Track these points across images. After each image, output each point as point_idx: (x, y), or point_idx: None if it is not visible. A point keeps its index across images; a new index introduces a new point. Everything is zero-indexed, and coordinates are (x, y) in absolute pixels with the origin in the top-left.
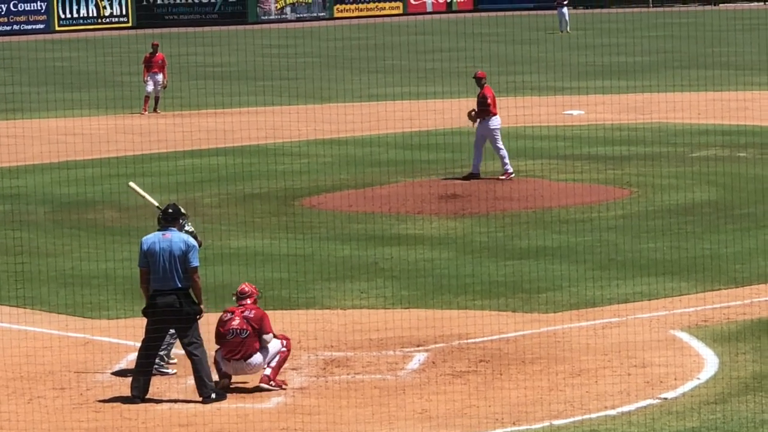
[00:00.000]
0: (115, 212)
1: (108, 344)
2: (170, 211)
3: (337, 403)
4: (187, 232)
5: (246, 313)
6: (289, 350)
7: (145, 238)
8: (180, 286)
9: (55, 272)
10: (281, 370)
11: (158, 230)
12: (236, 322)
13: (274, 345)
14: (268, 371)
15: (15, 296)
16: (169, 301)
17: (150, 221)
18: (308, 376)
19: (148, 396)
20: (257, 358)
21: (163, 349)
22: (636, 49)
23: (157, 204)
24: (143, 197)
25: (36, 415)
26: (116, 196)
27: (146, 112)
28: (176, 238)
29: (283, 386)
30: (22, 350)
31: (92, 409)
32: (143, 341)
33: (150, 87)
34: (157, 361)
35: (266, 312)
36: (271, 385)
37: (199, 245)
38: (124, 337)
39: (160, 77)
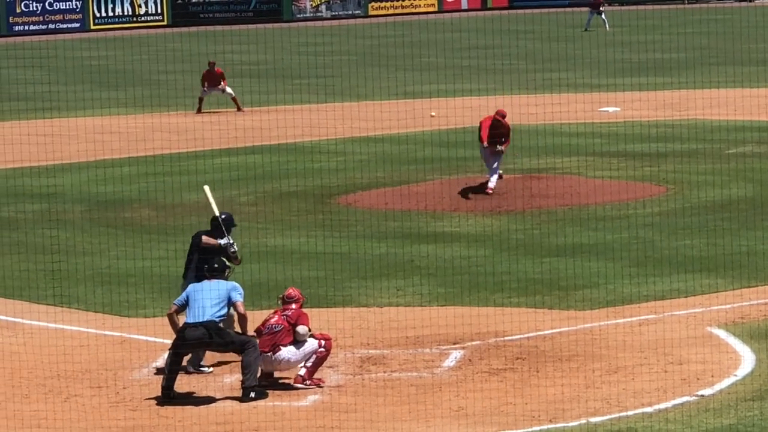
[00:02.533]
0: (152, 211)
1: (144, 342)
2: (216, 266)
3: (373, 401)
4: (222, 246)
5: (286, 312)
6: (328, 351)
7: (193, 284)
8: (210, 319)
9: (92, 271)
10: (319, 368)
11: (207, 279)
12: (274, 319)
13: (311, 344)
14: (302, 371)
15: (52, 295)
16: (198, 334)
17: (186, 220)
18: (345, 374)
19: (185, 392)
20: (285, 353)
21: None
22: (672, 45)
23: (217, 213)
24: (210, 203)
25: (73, 414)
26: (152, 195)
27: (200, 113)
28: (222, 286)
29: (321, 384)
30: (58, 349)
31: (129, 407)
32: (171, 349)
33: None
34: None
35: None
36: (305, 384)
37: (238, 262)
38: (160, 335)
39: (221, 86)
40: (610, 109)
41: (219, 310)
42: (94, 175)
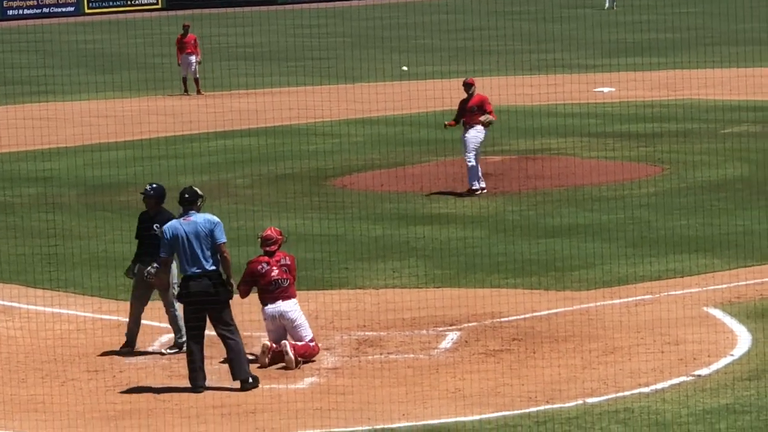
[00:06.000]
0: None
1: (141, 326)
2: (186, 195)
3: (370, 383)
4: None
5: (282, 261)
6: (316, 351)
7: (166, 226)
8: (212, 268)
9: (88, 255)
10: (303, 356)
11: (178, 216)
12: (275, 272)
13: (308, 330)
14: (300, 343)
15: (48, 279)
16: (203, 287)
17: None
18: (341, 356)
19: (176, 376)
20: (291, 303)
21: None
22: (667, 25)
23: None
24: None
25: (70, 398)
26: (148, 178)
27: (188, 94)
28: (199, 219)
29: (298, 362)
30: (55, 333)
31: (126, 391)
32: (186, 331)
33: (184, 71)
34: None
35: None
36: (290, 353)
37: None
38: (156, 319)
39: (193, 58)
40: (605, 90)
41: (212, 255)
42: (89, 159)
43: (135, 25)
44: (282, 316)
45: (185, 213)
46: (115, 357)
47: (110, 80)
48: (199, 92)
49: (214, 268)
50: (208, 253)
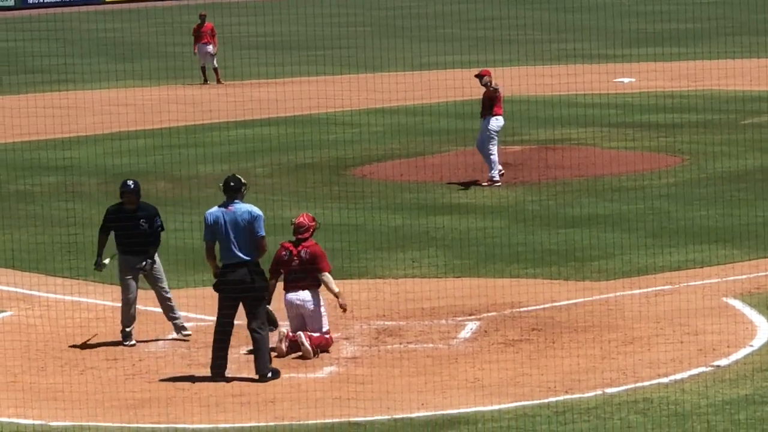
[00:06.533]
0: (167, 183)
1: (160, 315)
2: (231, 183)
3: (389, 373)
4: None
5: (302, 253)
6: (330, 343)
7: (208, 211)
8: (249, 258)
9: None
10: (318, 347)
11: (221, 204)
12: (296, 262)
13: (324, 319)
14: (315, 334)
15: (68, 267)
16: (240, 276)
17: (202, 192)
18: (360, 345)
19: (196, 365)
20: (307, 294)
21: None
22: (687, 15)
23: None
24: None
25: (89, 386)
26: (168, 167)
27: (208, 83)
28: (240, 210)
29: (314, 351)
30: (74, 321)
31: (145, 379)
32: (217, 318)
33: (202, 60)
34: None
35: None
36: (306, 343)
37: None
38: (177, 308)
39: (210, 47)
40: (625, 80)
41: (251, 246)
42: (109, 148)
43: (155, 14)
44: (300, 304)
45: (229, 202)
46: (135, 345)
47: (130, 69)
48: (219, 81)
49: (251, 258)
50: (247, 244)
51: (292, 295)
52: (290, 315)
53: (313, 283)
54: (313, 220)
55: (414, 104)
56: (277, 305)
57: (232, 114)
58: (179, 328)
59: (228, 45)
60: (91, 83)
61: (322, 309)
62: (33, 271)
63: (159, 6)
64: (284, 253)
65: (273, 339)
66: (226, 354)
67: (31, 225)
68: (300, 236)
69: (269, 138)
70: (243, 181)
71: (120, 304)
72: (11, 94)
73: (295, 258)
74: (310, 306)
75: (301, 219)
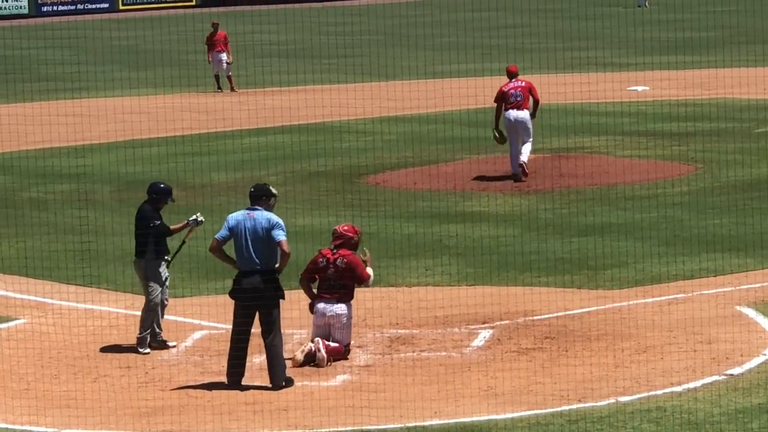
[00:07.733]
0: (180, 191)
1: (174, 323)
2: (252, 190)
3: (402, 381)
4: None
5: (338, 262)
6: (346, 352)
7: (232, 214)
8: (263, 268)
9: (121, 251)
10: (331, 355)
11: (246, 209)
12: (330, 271)
13: (350, 333)
14: (333, 344)
15: (81, 275)
16: (254, 283)
17: (216, 200)
18: (373, 353)
19: (209, 373)
20: (342, 307)
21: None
22: (701, 24)
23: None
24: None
25: (102, 394)
26: (181, 175)
27: (221, 91)
28: (260, 217)
29: (329, 360)
30: (88, 329)
31: (158, 387)
32: (233, 327)
33: (215, 68)
34: (156, 328)
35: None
36: (322, 350)
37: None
38: (189, 315)
39: (223, 56)
40: (639, 88)
41: (269, 254)
42: (122, 156)
43: (169, 22)
44: (333, 316)
45: (251, 208)
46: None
47: (144, 77)
48: (233, 89)
49: (267, 266)
50: (265, 252)
51: (326, 306)
52: (318, 323)
53: (347, 295)
54: (356, 232)
55: (427, 112)
56: (293, 314)
57: (246, 122)
58: (154, 335)
59: (242, 53)
60: (105, 91)
61: (349, 323)
62: (46, 279)
63: (173, 14)
64: (321, 259)
65: (287, 347)
66: (244, 362)
67: (45, 233)
68: (337, 243)
69: (282, 146)
70: (272, 191)
71: (138, 311)
72: (25, 102)
73: (331, 266)
74: (344, 320)
75: (343, 228)
